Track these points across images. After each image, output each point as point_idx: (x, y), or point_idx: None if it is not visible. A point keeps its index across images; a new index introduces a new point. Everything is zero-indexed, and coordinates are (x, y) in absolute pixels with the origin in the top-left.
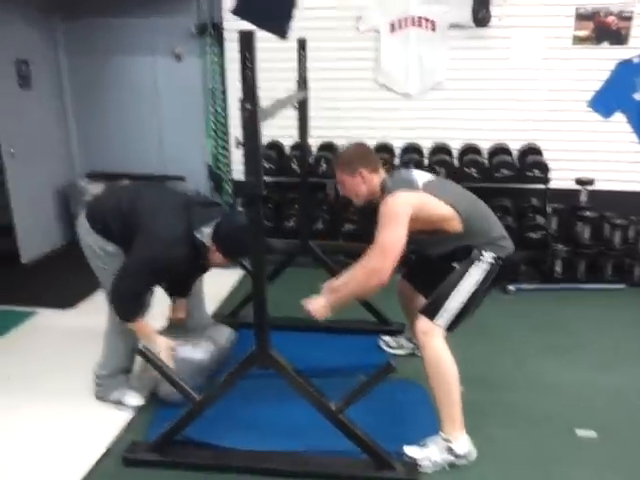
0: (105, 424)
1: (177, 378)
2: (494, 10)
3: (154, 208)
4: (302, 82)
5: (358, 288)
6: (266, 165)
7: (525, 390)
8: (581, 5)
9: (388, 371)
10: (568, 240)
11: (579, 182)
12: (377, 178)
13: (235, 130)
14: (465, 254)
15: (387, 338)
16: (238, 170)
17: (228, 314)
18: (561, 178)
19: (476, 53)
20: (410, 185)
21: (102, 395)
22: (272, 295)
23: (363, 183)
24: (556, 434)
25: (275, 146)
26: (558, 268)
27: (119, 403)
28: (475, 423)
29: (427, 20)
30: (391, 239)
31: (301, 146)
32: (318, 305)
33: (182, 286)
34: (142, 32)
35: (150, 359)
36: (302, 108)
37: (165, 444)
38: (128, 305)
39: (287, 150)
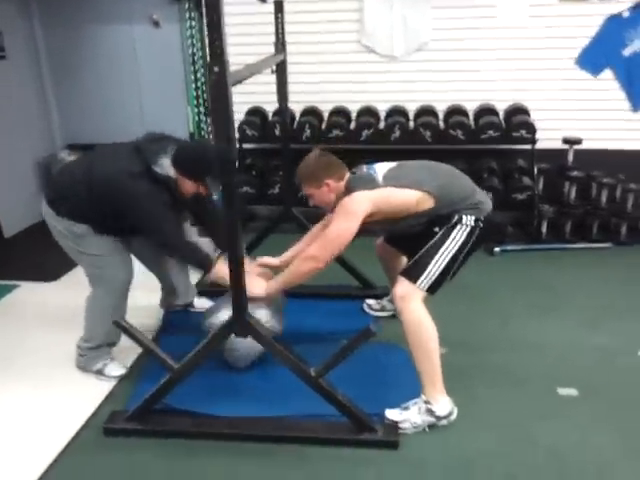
0: (86, 395)
1: (154, 347)
2: None
3: (105, 164)
4: (280, 45)
5: (294, 275)
6: (249, 132)
7: (508, 350)
8: None
9: (368, 335)
10: (554, 200)
11: (566, 141)
12: (343, 182)
13: None
14: (445, 220)
15: (370, 301)
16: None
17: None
18: (548, 138)
19: (461, 12)
20: (370, 183)
21: (83, 365)
22: None
23: (331, 192)
24: (538, 393)
25: (258, 112)
26: (544, 229)
27: (100, 374)
28: (457, 384)
29: None
30: (337, 232)
31: (281, 111)
32: (257, 286)
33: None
34: None
35: (127, 330)
36: (281, 72)
37: (144, 413)
38: (191, 251)
39: (270, 116)
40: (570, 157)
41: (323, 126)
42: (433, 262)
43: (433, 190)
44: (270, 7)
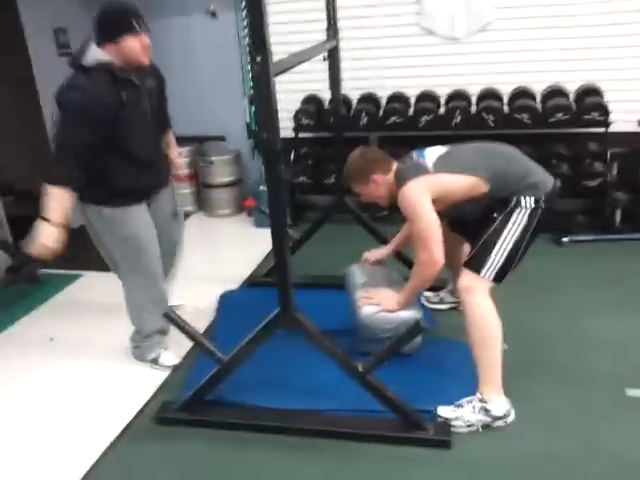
0: (141, 384)
1: (203, 339)
2: None
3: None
4: (332, 30)
5: (418, 282)
6: (304, 121)
7: (573, 348)
8: None
9: (418, 331)
10: (629, 187)
11: None
12: (392, 175)
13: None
14: (502, 204)
15: (428, 293)
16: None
17: (265, 273)
18: (623, 120)
19: None
20: (420, 170)
21: (138, 356)
22: (308, 252)
23: (380, 186)
24: (604, 394)
25: (314, 100)
26: (617, 218)
27: (155, 363)
28: (517, 383)
29: None
30: (424, 229)
31: (333, 99)
32: (388, 299)
33: (150, 140)
34: None
35: (175, 321)
36: (333, 58)
37: (195, 404)
38: (61, 161)
39: (326, 104)
40: None
41: (380, 113)
42: (496, 250)
43: (486, 174)
44: None
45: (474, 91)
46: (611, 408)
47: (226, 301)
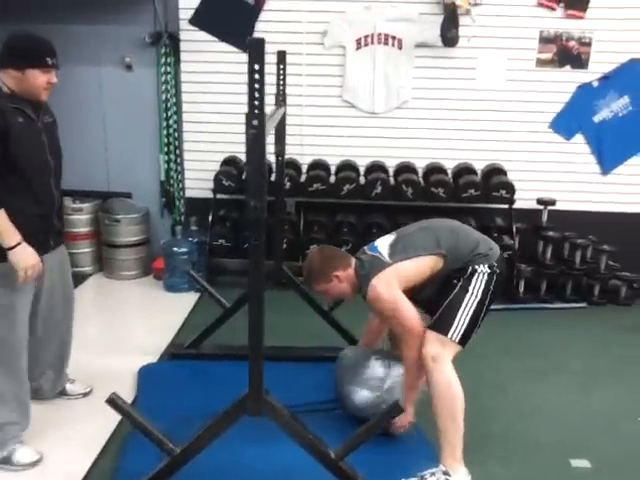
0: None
1: (151, 427)
2: (463, 30)
3: None
4: (281, 98)
5: (410, 379)
6: (225, 182)
7: (513, 419)
8: (545, 29)
9: (395, 412)
10: (530, 260)
11: (540, 202)
12: (351, 269)
13: (188, 145)
14: (461, 273)
15: None
16: (191, 187)
17: (189, 344)
18: (523, 198)
19: (442, 73)
20: (380, 265)
21: None
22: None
23: (342, 282)
24: (551, 467)
25: (233, 162)
26: (522, 288)
27: (6, 462)
28: (467, 458)
29: (394, 38)
30: (408, 320)
31: (278, 165)
32: (404, 419)
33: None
34: (87, 41)
35: (121, 408)
36: (280, 125)
37: None
38: None
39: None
40: (544, 217)
41: (302, 179)
42: (461, 311)
43: (442, 250)
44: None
45: (390, 163)
46: None
47: (147, 377)
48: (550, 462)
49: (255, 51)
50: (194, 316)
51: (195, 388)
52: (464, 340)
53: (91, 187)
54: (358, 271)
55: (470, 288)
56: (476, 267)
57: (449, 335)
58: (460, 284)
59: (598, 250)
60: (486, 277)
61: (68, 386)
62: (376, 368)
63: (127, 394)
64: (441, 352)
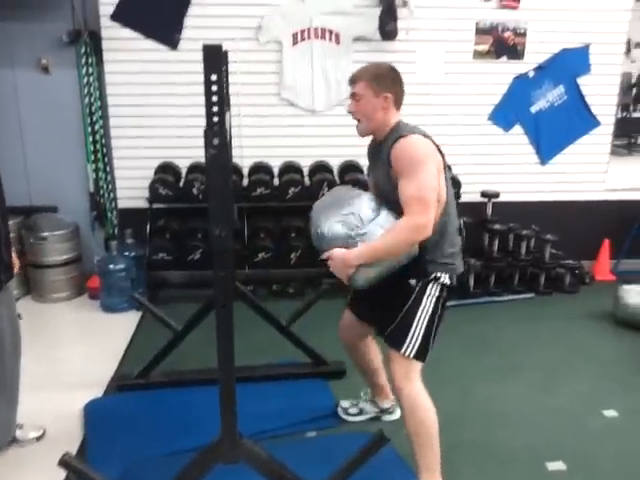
0: None
1: None
2: (401, 23)
3: None
4: (225, 101)
5: (398, 242)
6: (162, 191)
7: (481, 424)
8: (481, 20)
9: (380, 443)
10: (478, 253)
11: (484, 195)
12: (395, 115)
13: (118, 152)
14: (421, 274)
15: (345, 404)
16: (123, 197)
17: (138, 374)
18: (468, 192)
19: None
20: (430, 140)
21: None
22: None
23: (381, 109)
24: (528, 472)
25: (170, 168)
26: (472, 283)
27: None
28: (444, 468)
29: (331, 32)
30: (426, 188)
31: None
32: (340, 256)
33: None
34: None
35: (75, 467)
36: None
37: None
38: None
39: (184, 173)
40: (489, 210)
41: (245, 183)
42: (414, 324)
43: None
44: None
45: (335, 162)
46: None
47: (94, 414)
48: (526, 467)
49: (212, 59)
50: (138, 338)
51: (149, 422)
52: (421, 356)
53: (10, 202)
54: (400, 125)
55: (424, 298)
56: (437, 275)
57: (401, 351)
58: (414, 296)
59: (541, 240)
60: (443, 290)
61: (18, 432)
62: (363, 206)
63: (75, 434)
64: (410, 369)
